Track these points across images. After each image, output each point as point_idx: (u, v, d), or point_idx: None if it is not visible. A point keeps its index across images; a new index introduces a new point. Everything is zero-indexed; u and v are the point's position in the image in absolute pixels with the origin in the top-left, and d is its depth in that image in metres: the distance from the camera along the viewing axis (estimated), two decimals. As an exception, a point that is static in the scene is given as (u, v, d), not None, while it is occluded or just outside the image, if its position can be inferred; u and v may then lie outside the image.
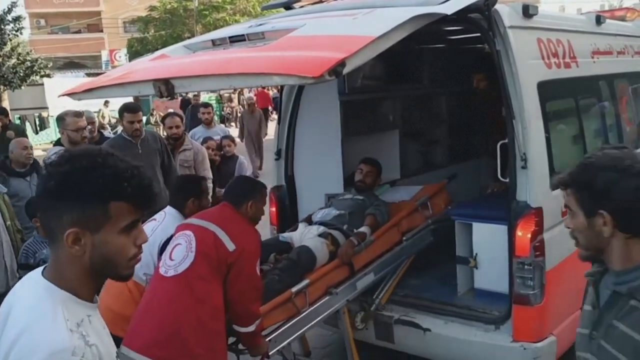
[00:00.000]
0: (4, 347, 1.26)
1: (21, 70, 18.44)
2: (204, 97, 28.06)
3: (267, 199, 4.38)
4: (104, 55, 34.18)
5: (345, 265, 3.61)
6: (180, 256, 2.88)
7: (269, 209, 4.38)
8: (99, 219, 1.32)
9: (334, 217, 3.92)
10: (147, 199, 1.38)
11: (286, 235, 3.86)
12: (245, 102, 12.82)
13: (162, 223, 3.40)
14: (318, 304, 3.40)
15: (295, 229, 3.95)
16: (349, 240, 3.69)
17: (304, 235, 3.75)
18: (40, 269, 1.41)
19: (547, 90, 3.40)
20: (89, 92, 2.92)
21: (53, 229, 1.34)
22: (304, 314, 3.31)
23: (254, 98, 12.15)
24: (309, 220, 4.06)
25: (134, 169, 1.35)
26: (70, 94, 3.04)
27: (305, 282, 3.33)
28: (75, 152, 1.38)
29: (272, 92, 18.17)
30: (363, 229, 3.82)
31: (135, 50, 32.05)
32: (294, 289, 3.25)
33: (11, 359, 1.23)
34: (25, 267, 3.74)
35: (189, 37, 27.05)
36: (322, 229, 3.80)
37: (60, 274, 1.34)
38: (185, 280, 2.83)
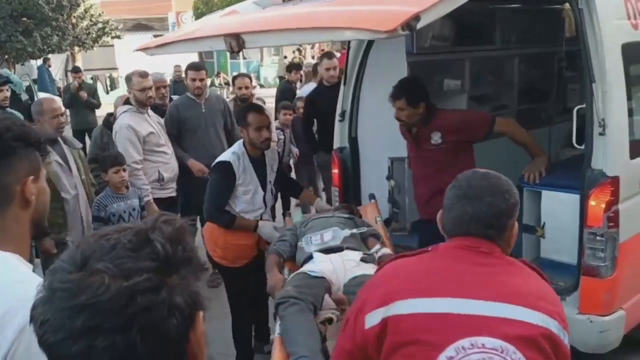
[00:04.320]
0: None
1: (93, 32, 19.10)
2: (268, 61, 28.17)
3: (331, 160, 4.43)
4: (171, 17, 34.72)
5: None
6: None
7: (332, 171, 4.39)
8: (38, 165, 1.35)
9: (346, 239, 3.07)
10: None
11: (317, 271, 2.81)
12: (304, 70, 9.19)
13: None
14: None
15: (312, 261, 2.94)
16: None
17: (350, 267, 2.85)
18: None
19: (632, 52, 3.20)
20: (161, 47, 2.97)
21: (5, 186, 1.28)
22: None
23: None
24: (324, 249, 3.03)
25: None
26: (143, 49, 3.11)
27: None
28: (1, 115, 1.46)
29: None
30: (386, 249, 3.09)
31: (201, 12, 32.38)
32: None
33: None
34: (97, 220, 3.92)
35: None
36: (355, 255, 2.95)
37: (5, 237, 1.29)
38: None
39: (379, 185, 4.40)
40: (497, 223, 1.62)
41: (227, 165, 3.44)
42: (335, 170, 4.35)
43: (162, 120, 4.81)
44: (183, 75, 9.29)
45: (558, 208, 3.49)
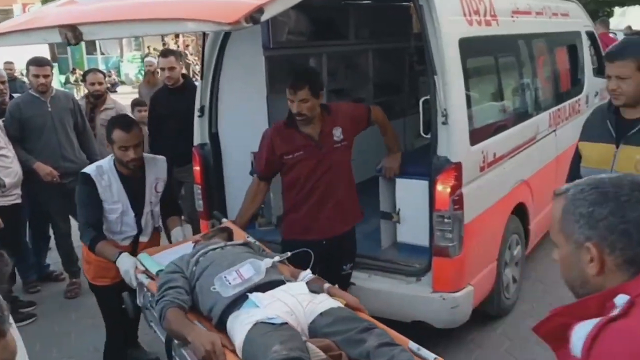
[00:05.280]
0: None
1: None
2: (128, 56, 26.85)
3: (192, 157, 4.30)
4: (17, 9, 31.84)
5: None
6: None
7: (194, 168, 4.27)
8: None
9: (269, 271, 2.56)
10: None
11: (274, 316, 2.25)
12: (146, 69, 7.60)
13: None
14: None
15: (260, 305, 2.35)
16: (333, 287, 2.67)
17: (305, 302, 2.37)
18: None
19: (468, 47, 3.45)
20: (-12, 39, 2.68)
21: None
22: None
23: (155, 63, 6.95)
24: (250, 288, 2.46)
25: None
26: (-33, 42, 2.79)
27: None
28: None
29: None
30: (309, 273, 2.72)
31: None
32: None
33: None
34: None
35: (109, -8, 25.71)
36: (302, 287, 2.50)
37: None
38: None
39: (243, 181, 4.35)
40: None
41: (85, 177, 3.12)
42: (197, 168, 4.24)
43: (0, 121, 4.39)
44: (16, 73, 8.49)
45: (410, 194, 3.68)
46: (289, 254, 2.75)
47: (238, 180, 4.32)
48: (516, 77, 4.34)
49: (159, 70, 5.15)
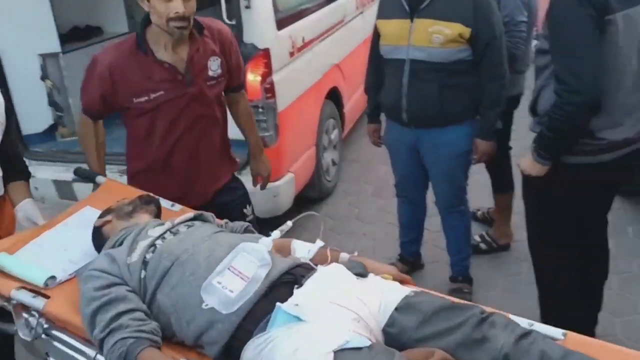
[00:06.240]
0: None
1: None
2: None
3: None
4: None
5: None
6: None
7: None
8: None
9: (272, 255, 1.63)
10: None
11: (348, 337, 1.32)
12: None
13: None
14: None
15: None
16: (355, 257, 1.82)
17: (365, 297, 1.48)
18: None
19: None
20: None
21: None
22: None
23: None
24: (273, 285, 1.52)
25: None
26: None
27: None
28: None
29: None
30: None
31: None
32: None
33: None
34: None
35: None
36: (345, 274, 1.56)
37: None
38: None
39: (31, 87, 3.85)
40: None
41: None
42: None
43: None
44: None
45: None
46: (290, 223, 1.71)
47: (26, 86, 3.81)
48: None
49: None
